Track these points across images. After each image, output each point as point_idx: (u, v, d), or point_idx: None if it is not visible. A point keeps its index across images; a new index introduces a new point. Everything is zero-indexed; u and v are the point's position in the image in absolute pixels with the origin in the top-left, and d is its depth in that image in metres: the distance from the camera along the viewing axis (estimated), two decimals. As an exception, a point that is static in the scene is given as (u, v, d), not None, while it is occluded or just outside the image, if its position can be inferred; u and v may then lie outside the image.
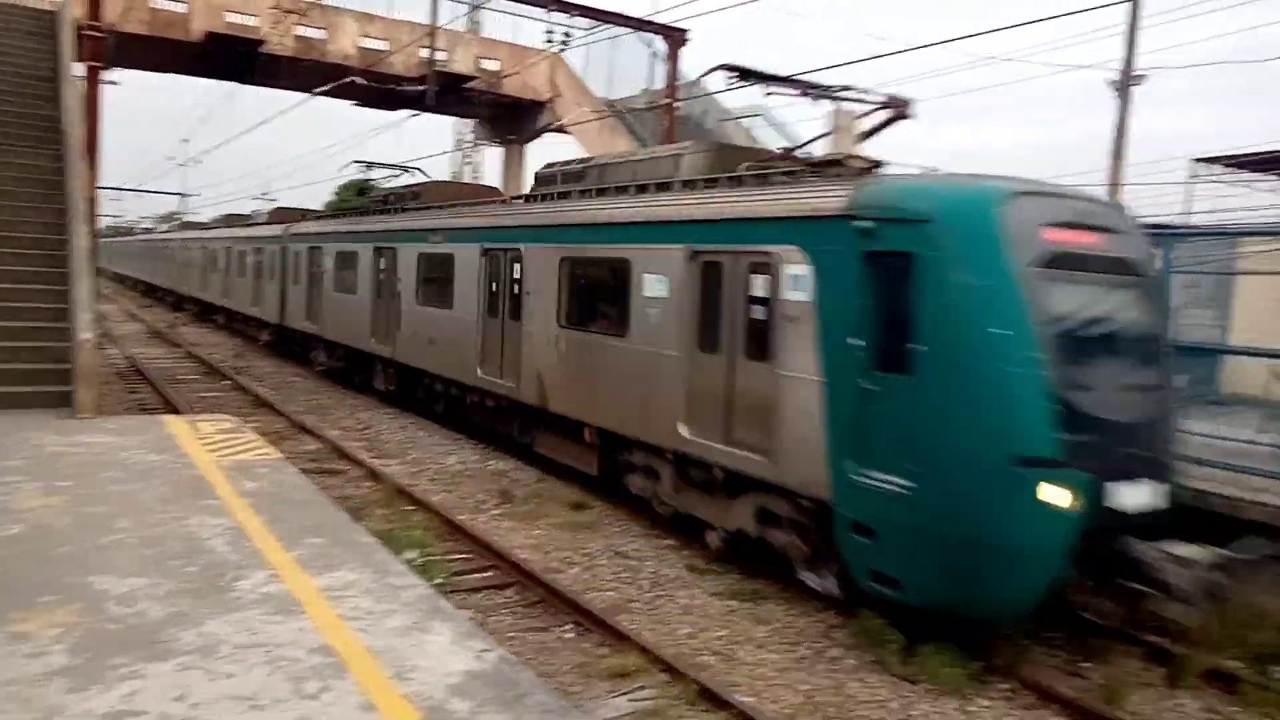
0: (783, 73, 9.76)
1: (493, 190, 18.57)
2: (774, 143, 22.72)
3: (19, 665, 4.10)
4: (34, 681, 3.95)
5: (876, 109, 8.71)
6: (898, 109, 8.47)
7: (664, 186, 10.17)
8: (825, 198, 7.64)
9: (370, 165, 20.89)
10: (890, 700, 6.30)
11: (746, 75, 9.42)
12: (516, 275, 12.18)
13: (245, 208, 49.68)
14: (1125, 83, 17.22)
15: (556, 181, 12.62)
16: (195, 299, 36.25)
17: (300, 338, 22.11)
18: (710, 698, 6.02)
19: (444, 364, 14.29)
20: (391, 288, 16.16)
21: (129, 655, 4.26)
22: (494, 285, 12.82)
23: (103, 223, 78.50)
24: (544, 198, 12.71)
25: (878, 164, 8.37)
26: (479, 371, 12.99)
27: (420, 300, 15.05)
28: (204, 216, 54.18)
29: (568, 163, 13.10)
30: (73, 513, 6.36)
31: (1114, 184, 16.25)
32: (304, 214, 27.56)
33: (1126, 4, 16.08)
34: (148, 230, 67.23)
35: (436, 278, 14.68)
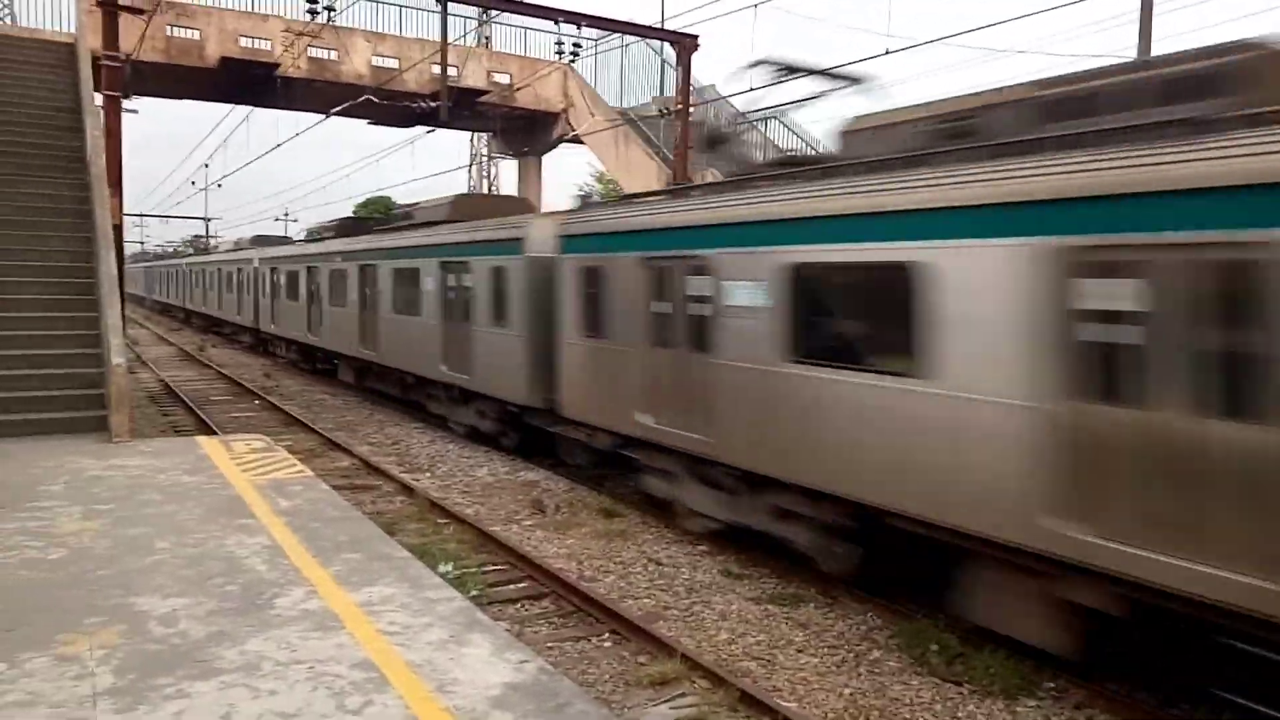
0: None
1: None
2: (790, 144, 22.66)
3: (67, 687, 4.12)
4: (82, 703, 3.98)
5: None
6: None
7: None
8: None
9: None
10: (935, 703, 6.21)
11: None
12: None
13: (269, 229, 44.76)
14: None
15: None
16: (341, 356, 21.31)
17: (613, 445, 10.88)
18: (752, 703, 5.97)
19: None
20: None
21: (173, 675, 4.28)
22: None
23: (137, 247, 76.11)
24: None
25: None
26: None
27: None
28: (230, 237, 47.20)
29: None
30: (113, 535, 6.42)
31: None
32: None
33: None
34: (200, 249, 52.32)
35: None
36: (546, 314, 12.31)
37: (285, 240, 32.21)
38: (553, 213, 14.05)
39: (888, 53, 14.40)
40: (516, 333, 13.00)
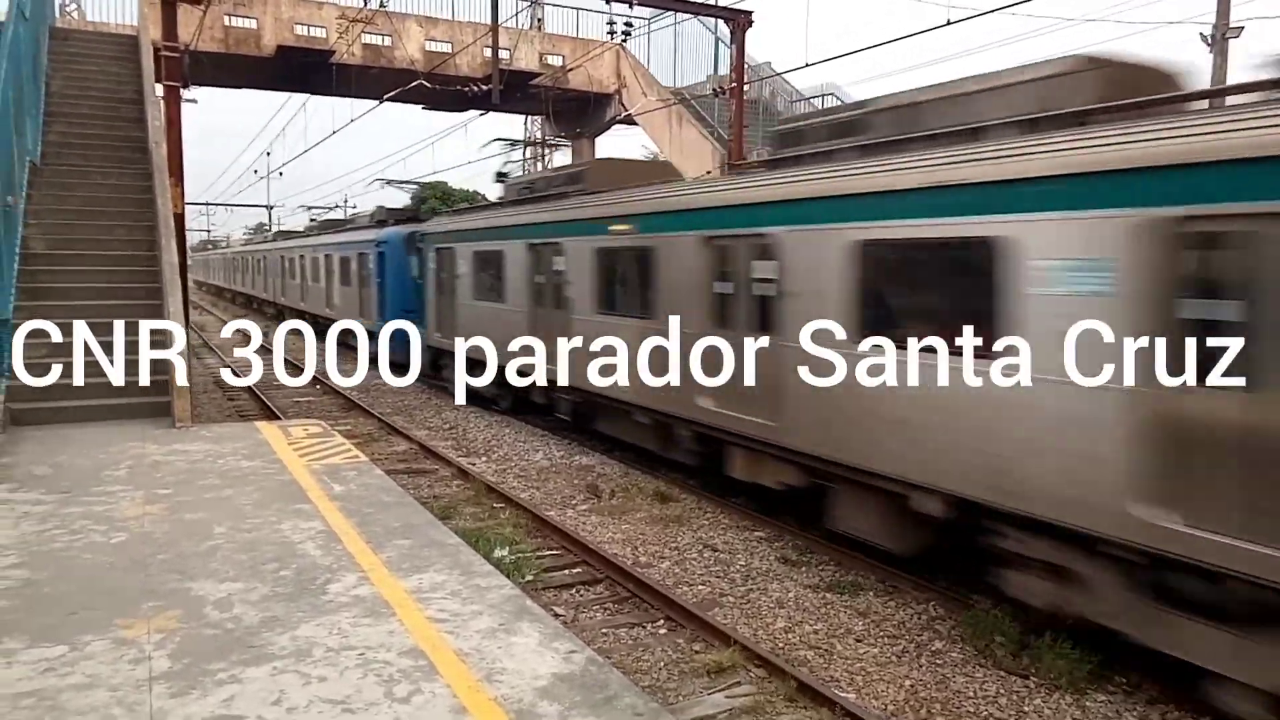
0: (851, 49, 9.24)
1: None
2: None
3: (124, 671, 4.16)
4: (138, 686, 4.01)
5: None
6: None
7: None
8: None
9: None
10: (1000, 696, 5.99)
11: None
12: None
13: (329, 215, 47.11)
14: (1221, 35, 16.25)
15: None
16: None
17: None
18: (810, 694, 5.83)
19: None
20: None
21: (226, 660, 4.29)
22: None
23: (205, 234, 77.25)
24: None
25: None
26: None
27: None
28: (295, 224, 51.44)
29: None
30: (172, 520, 6.51)
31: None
32: None
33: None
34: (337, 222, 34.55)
35: None
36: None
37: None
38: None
39: (949, 23, 13.93)
40: None
